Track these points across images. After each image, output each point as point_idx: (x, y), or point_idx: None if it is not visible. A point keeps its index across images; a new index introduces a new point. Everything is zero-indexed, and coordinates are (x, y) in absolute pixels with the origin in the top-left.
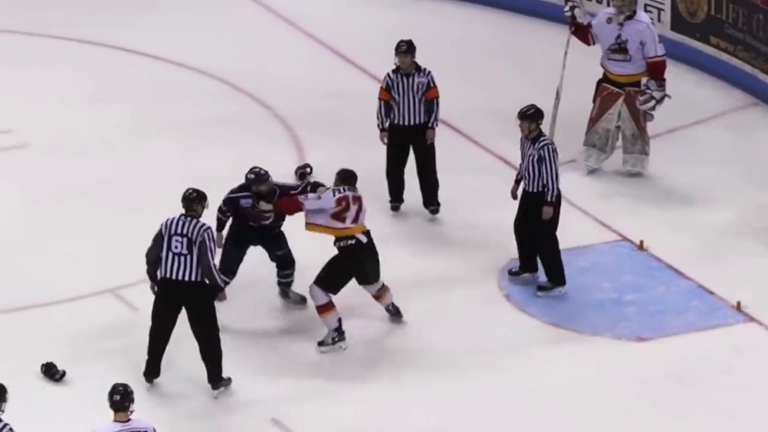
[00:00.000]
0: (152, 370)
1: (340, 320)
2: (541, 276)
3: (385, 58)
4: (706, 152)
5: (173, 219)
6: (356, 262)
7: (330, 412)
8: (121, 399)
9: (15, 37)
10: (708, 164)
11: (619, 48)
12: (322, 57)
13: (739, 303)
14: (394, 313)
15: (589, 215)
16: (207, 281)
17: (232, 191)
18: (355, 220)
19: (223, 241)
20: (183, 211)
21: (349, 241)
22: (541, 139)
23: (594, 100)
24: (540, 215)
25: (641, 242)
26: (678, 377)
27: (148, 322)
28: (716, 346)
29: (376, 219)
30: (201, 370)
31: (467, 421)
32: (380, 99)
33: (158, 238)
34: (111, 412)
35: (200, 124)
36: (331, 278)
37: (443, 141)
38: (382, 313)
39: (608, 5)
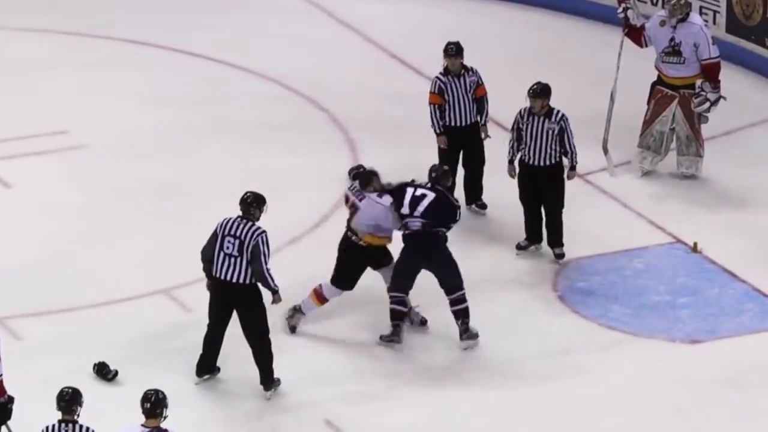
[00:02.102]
0: (203, 366)
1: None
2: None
3: (440, 60)
4: (762, 155)
5: (229, 219)
6: None
7: (384, 416)
8: (151, 406)
9: (76, 39)
10: (763, 167)
11: (673, 50)
12: (377, 59)
13: None
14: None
15: (644, 217)
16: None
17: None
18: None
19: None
20: (240, 213)
21: None
22: (556, 111)
23: (648, 103)
24: (557, 187)
25: (695, 244)
26: (733, 381)
27: (202, 323)
28: None
29: None
30: (256, 371)
31: (523, 425)
32: (433, 104)
33: (213, 237)
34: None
35: (256, 127)
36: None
37: (495, 142)
38: (437, 318)
39: (662, 7)
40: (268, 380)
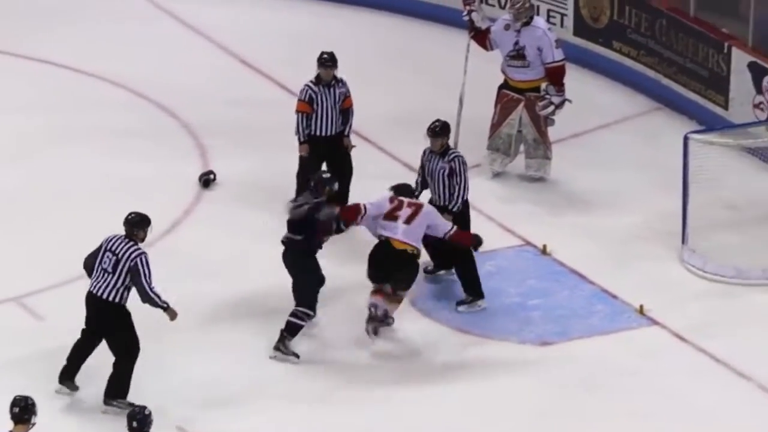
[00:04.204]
0: (66, 373)
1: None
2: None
3: (290, 65)
4: (610, 157)
5: (115, 236)
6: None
7: (235, 422)
8: (20, 411)
9: None
10: (611, 169)
11: (518, 54)
12: (227, 65)
13: (641, 307)
14: (371, 316)
15: (494, 220)
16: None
17: (309, 207)
18: (408, 221)
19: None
20: (124, 233)
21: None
22: (451, 152)
23: (495, 106)
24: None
25: (544, 247)
26: (584, 381)
27: (53, 331)
28: (620, 349)
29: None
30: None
31: (376, 429)
32: (300, 111)
33: (96, 250)
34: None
35: (106, 133)
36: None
37: (357, 149)
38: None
39: (509, 10)
40: (111, 393)
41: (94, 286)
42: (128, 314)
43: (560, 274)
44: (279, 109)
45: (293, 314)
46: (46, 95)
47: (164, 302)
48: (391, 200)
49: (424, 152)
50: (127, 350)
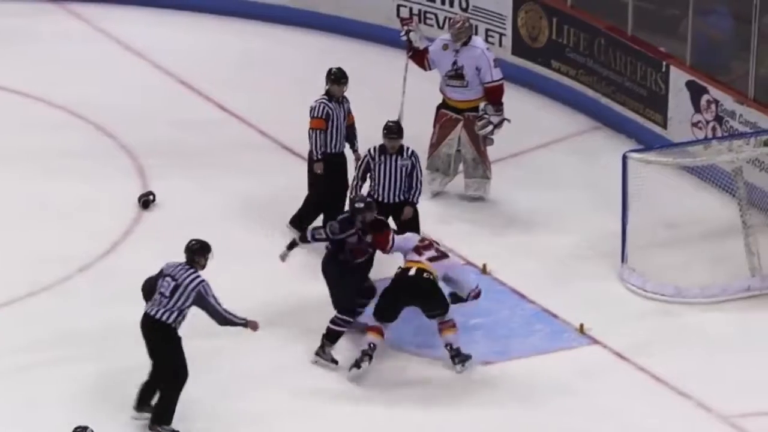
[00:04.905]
0: (140, 400)
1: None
2: None
3: (227, 85)
4: (549, 176)
5: (175, 262)
6: (401, 290)
7: None
8: None
9: None
10: (551, 188)
11: (456, 74)
12: (165, 85)
13: (582, 326)
14: (452, 355)
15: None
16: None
17: (335, 230)
18: (430, 261)
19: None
20: (185, 260)
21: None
22: (407, 148)
23: (434, 126)
24: (403, 224)
25: (484, 266)
26: (524, 400)
27: None
28: (560, 368)
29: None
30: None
31: None
32: (318, 129)
33: (157, 275)
34: None
35: (44, 155)
36: (378, 307)
37: (289, 167)
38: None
39: (448, 30)
40: (156, 419)
41: (151, 309)
42: (178, 339)
43: (501, 294)
44: (217, 129)
45: (332, 321)
46: None
47: (242, 319)
48: (422, 239)
49: (372, 156)
50: (174, 376)
